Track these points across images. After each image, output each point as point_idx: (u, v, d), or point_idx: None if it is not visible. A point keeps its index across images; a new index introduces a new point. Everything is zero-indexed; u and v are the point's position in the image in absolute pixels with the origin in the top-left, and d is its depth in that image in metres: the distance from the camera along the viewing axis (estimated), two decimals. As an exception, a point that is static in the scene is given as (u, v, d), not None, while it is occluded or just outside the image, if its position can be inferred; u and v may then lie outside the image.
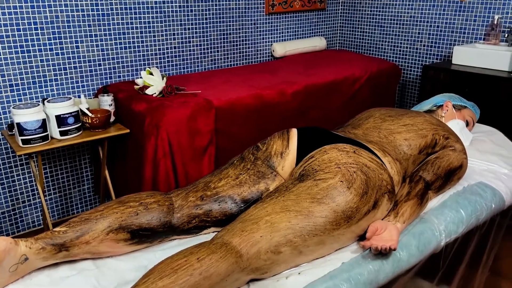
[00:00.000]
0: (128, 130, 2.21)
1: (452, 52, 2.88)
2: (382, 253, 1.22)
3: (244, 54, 3.17)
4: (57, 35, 2.35)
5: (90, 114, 2.14)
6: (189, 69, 2.91)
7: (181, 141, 2.16)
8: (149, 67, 2.34)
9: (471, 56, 2.67)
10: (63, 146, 2.08)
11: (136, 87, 2.35)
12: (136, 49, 2.64)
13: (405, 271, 1.28)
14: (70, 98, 2.08)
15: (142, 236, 1.20)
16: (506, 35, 2.74)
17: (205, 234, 1.32)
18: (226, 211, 1.31)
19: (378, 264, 1.21)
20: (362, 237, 1.29)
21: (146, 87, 2.31)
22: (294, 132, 1.47)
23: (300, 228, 1.15)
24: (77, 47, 2.43)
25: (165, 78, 2.32)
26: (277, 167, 1.40)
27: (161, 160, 2.12)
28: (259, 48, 3.24)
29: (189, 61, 2.89)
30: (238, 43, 3.11)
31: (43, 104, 2.06)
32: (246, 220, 1.15)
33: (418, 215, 1.41)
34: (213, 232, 1.32)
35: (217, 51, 3.01)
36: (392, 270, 1.23)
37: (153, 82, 2.30)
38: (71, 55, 2.42)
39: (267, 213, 1.16)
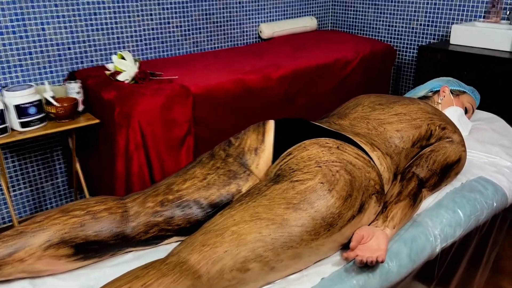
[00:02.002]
0: (98, 120, 2.04)
1: (450, 31, 2.70)
2: (368, 266, 1.07)
3: (229, 35, 2.97)
4: (20, 16, 2.15)
5: (55, 103, 1.96)
6: (168, 53, 2.71)
7: (155, 132, 1.98)
8: (121, 51, 2.15)
9: (470, 35, 2.49)
10: (25, 138, 1.90)
11: (107, 72, 2.16)
12: (110, 31, 2.44)
13: (395, 283, 1.12)
14: (31, 86, 1.89)
15: (88, 250, 1.04)
16: (508, 12, 2.55)
17: (167, 244, 1.15)
18: (191, 218, 1.14)
19: (363, 278, 1.05)
20: (346, 246, 1.13)
21: (117, 72, 2.12)
22: (271, 125, 1.29)
23: (272, 239, 0.99)
24: (43, 29, 2.23)
25: (137, 63, 2.13)
26: (251, 165, 1.23)
27: (133, 153, 1.94)
28: (245, 29, 3.04)
29: (168, 44, 2.69)
30: (222, 23, 2.90)
31: (1, 93, 1.87)
32: (209, 231, 0.99)
33: (411, 218, 1.25)
34: (176, 242, 1.15)
35: (199, 33, 2.81)
36: (380, 284, 1.07)
37: (125, 67, 2.11)
38: (36, 38, 2.22)
39: (234, 222, 1.00)
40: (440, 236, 1.22)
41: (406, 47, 3.13)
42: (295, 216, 1.02)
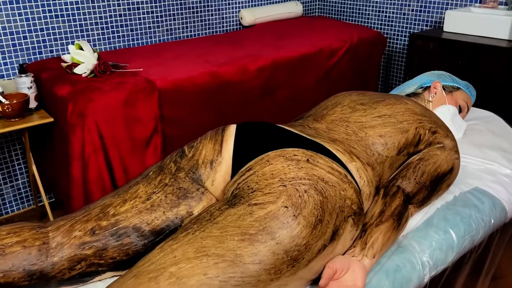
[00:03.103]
0: (51, 119, 1.83)
1: (443, 17, 2.49)
2: (342, 307, 0.88)
3: (207, 22, 2.75)
4: (-35, 2, 1.93)
5: (2, 100, 1.75)
6: (138, 42, 2.49)
7: (116, 132, 1.78)
8: (79, 40, 1.93)
9: (465, 22, 2.30)
10: (-32, 141, 1.70)
11: (63, 65, 1.95)
12: (71, 17, 2.22)
13: (374, 324, 0.94)
14: (-28, 82, 1.68)
15: (-6, 295, 0.85)
16: (507, -3, 2.35)
17: (100, 281, 0.96)
18: (129, 249, 0.95)
19: (335, 323, 0.87)
20: (316, 281, 0.94)
21: (75, 65, 1.91)
22: (231, 131, 1.10)
23: (221, 282, 0.80)
24: (-6, 16, 2.01)
25: (96, 53, 1.91)
26: (206, 181, 1.04)
27: (90, 156, 1.74)
28: (224, 16, 2.82)
29: (138, 32, 2.47)
30: (199, 9, 2.68)
31: None
32: (141, 274, 0.79)
33: (395, 242, 1.06)
34: (111, 277, 0.96)
35: (173, 19, 2.59)
36: (356, 328, 0.89)
37: (83, 58, 1.89)
38: (-15, 27, 2.00)
39: (174, 261, 0.81)
40: (429, 264, 1.04)
41: (397, 35, 2.92)
42: (251, 250, 0.83)
